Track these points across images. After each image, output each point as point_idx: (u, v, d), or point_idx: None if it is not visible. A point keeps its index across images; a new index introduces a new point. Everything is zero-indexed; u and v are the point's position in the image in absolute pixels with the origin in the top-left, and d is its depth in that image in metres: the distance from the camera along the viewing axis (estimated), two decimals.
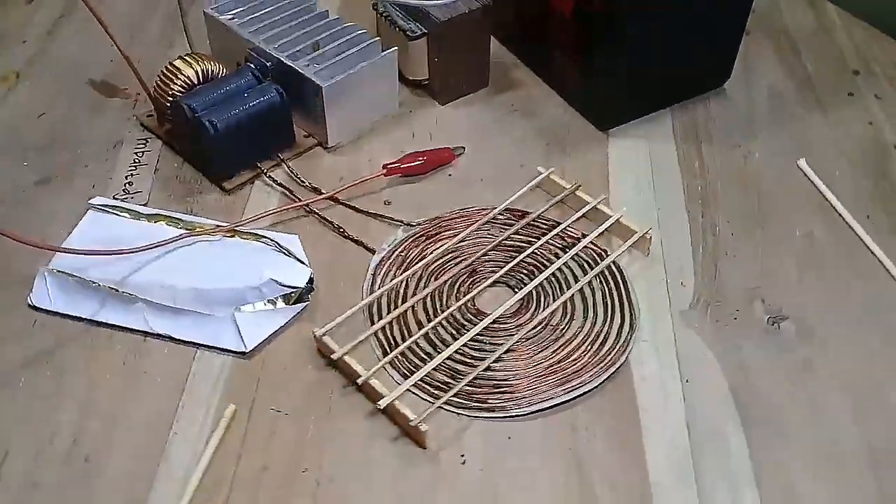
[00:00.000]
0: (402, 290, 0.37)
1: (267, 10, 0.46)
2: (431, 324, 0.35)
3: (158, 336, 0.35)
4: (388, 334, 0.35)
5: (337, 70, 0.43)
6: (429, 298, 0.36)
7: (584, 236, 0.39)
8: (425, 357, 0.34)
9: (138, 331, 0.35)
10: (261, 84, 0.42)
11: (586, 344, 0.35)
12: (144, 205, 0.41)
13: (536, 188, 0.42)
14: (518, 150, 0.45)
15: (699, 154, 0.45)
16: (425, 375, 0.33)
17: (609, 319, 0.36)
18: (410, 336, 0.35)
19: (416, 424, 0.31)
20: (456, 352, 0.34)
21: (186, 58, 0.42)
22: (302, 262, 0.37)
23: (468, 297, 0.36)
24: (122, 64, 0.41)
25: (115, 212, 0.39)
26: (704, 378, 0.34)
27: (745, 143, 0.45)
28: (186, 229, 0.38)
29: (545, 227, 0.40)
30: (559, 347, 0.35)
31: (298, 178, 0.42)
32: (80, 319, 0.36)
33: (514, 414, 0.32)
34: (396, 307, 0.36)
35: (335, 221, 0.40)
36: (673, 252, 0.39)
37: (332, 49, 0.43)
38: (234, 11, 0.46)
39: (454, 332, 0.35)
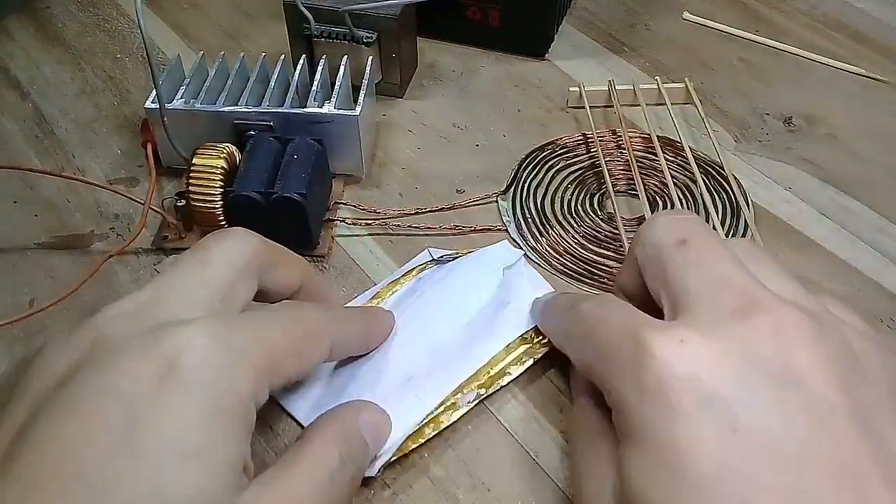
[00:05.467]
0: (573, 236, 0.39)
1: (208, 82, 0.42)
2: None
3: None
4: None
5: (346, 100, 0.41)
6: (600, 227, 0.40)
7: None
8: None
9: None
10: (294, 141, 0.39)
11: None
12: None
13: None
14: (512, 99, 0.48)
15: (616, 39, 0.52)
16: None
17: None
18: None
19: None
20: None
21: (201, 153, 0.38)
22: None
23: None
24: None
25: None
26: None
27: (638, 20, 0.54)
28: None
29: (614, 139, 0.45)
30: None
31: (373, 209, 0.41)
32: None
33: None
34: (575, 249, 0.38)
35: (445, 224, 0.40)
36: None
37: (318, 84, 0.42)
38: (179, 97, 0.41)
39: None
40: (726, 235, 0.39)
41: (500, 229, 0.40)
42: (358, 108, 0.40)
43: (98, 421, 0.22)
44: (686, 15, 0.54)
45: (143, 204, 0.39)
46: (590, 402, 0.28)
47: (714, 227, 0.39)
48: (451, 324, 0.34)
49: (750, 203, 0.41)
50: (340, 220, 0.41)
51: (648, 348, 0.23)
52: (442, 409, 0.31)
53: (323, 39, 0.45)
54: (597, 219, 0.40)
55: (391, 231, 0.40)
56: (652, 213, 0.40)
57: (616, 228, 0.39)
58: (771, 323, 0.22)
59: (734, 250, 0.26)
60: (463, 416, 0.32)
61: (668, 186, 0.41)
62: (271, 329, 0.26)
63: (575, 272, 0.38)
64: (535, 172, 0.43)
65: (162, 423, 0.22)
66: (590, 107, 0.46)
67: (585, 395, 0.29)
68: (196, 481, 0.22)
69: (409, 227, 0.40)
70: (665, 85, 0.46)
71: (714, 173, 0.42)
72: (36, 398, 0.23)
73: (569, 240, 0.39)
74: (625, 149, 0.43)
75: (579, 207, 0.41)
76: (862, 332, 0.24)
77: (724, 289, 0.24)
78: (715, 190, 0.41)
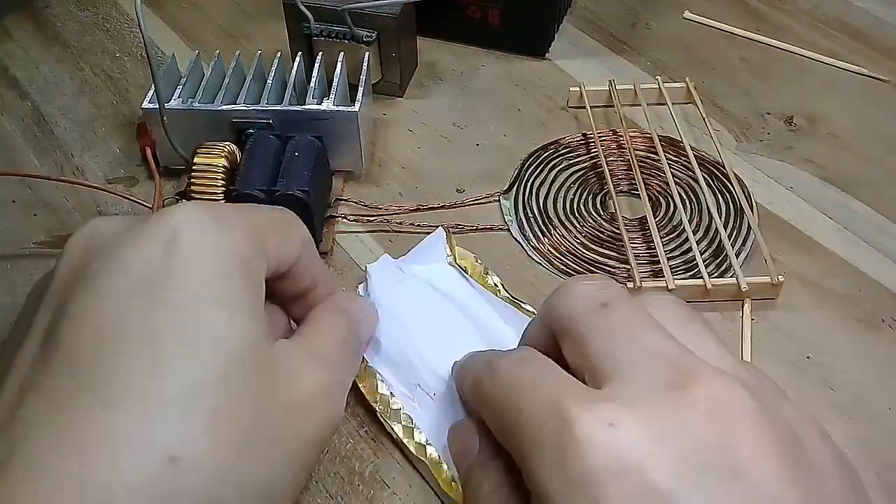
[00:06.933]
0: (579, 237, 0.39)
1: (204, 81, 0.42)
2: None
3: None
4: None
5: (344, 97, 0.41)
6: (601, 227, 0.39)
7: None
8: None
9: None
10: (295, 138, 0.39)
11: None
12: None
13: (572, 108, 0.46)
14: (512, 99, 0.48)
15: (617, 38, 0.52)
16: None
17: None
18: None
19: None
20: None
21: (203, 152, 0.38)
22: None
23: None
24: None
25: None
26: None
27: (638, 19, 0.54)
28: None
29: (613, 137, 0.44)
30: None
31: (375, 206, 0.41)
32: None
33: None
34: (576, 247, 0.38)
35: (446, 224, 0.40)
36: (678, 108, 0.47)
37: (316, 82, 0.42)
38: (176, 97, 0.41)
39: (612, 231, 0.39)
40: (728, 237, 0.39)
41: (501, 229, 0.40)
42: (357, 105, 0.40)
43: (122, 291, 0.22)
44: (687, 14, 0.53)
45: (142, 203, 0.39)
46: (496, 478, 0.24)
47: (716, 228, 0.39)
48: (450, 327, 0.34)
49: (753, 203, 0.41)
50: (342, 217, 0.40)
51: (573, 429, 0.20)
52: None
53: (322, 38, 0.45)
54: (599, 219, 0.40)
55: (391, 229, 0.40)
56: (651, 212, 0.40)
57: (618, 228, 0.39)
58: (708, 398, 0.20)
59: (659, 312, 0.24)
60: None
61: (669, 186, 0.41)
62: (252, 209, 0.28)
63: (577, 272, 0.38)
64: (537, 172, 0.43)
65: (185, 280, 0.23)
66: (590, 106, 0.45)
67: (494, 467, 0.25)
68: (231, 326, 0.23)
69: (409, 225, 0.40)
70: (666, 84, 0.46)
71: (716, 173, 0.42)
72: (57, 298, 0.24)
73: (571, 240, 0.39)
74: (626, 148, 0.43)
75: (581, 207, 0.41)
76: (796, 409, 0.22)
77: (655, 359, 0.21)
78: (717, 190, 0.41)
